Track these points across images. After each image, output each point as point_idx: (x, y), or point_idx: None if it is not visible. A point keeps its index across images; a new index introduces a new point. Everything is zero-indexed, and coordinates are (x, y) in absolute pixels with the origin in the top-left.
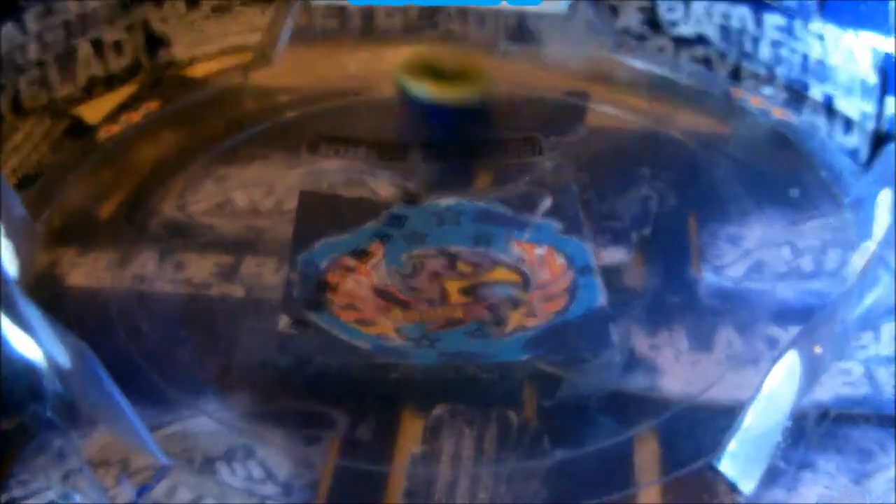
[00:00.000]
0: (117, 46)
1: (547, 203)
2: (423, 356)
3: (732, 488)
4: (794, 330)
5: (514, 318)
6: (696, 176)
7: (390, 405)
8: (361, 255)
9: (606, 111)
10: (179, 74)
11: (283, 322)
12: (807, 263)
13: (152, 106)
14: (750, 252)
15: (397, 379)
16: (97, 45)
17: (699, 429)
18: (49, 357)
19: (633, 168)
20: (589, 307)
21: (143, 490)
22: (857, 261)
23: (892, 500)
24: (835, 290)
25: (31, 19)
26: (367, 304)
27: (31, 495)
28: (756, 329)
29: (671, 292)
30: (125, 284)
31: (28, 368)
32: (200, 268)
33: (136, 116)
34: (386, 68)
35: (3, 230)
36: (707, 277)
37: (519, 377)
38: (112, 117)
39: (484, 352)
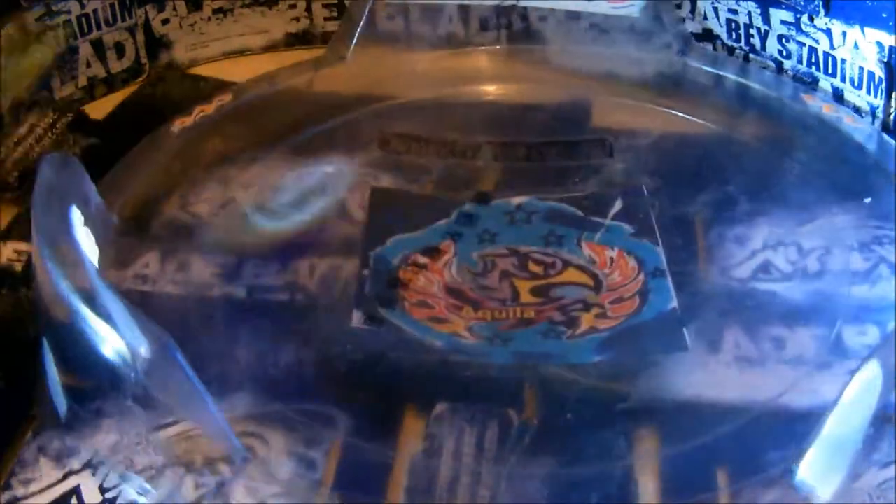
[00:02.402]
0: (118, 48)
1: (618, 205)
2: (496, 355)
3: (810, 495)
4: (801, 330)
5: (587, 320)
6: (705, 177)
7: (391, 405)
8: (433, 252)
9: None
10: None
11: (357, 318)
12: (813, 264)
13: (208, 109)
14: (756, 252)
15: (471, 377)
16: (98, 46)
17: (704, 430)
18: (130, 346)
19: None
20: (661, 310)
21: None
22: None
23: (892, 501)
24: (840, 291)
25: (31, 20)
26: (439, 301)
27: (33, 495)
28: (763, 330)
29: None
30: (127, 284)
31: (109, 356)
32: (203, 268)
33: (189, 120)
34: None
35: (82, 219)
36: (714, 278)
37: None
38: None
39: (557, 352)
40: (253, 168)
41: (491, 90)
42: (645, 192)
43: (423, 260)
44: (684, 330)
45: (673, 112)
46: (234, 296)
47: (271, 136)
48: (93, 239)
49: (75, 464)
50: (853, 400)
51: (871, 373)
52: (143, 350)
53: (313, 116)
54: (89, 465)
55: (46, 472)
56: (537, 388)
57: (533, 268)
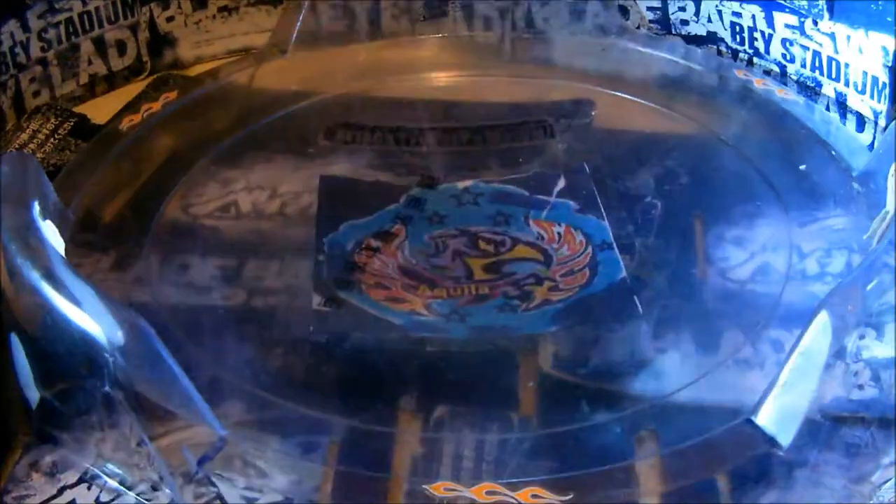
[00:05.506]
0: (120, 46)
1: (561, 183)
2: (455, 330)
3: (771, 442)
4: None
5: (540, 293)
6: (702, 176)
7: (389, 407)
8: (385, 236)
9: (613, 111)
10: (181, 74)
11: (316, 301)
12: (812, 266)
13: (155, 106)
14: (755, 254)
15: (433, 352)
16: (99, 44)
17: (704, 431)
18: (105, 331)
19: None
20: (611, 280)
21: (202, 460)
22: (877, 226)
23: (893, 501)
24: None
25: (33, 17)
26: (395, 282)
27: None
28: (761, 332)
29: (676, 294)
30: (127, 287)
31: (85, 341)
32: (203, 271)
33: (137, 117)
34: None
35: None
36: (712, 280)
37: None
38: (116, 119)
39: (514, 325)
40: (254, 169)
41: (432, 77)
42: (587, 169)
43: (375, 243)
44: (636, 298)
45: (610, 92)
46: (233, 298)
47: (219, 131)
48: (56, 231)
49: (70, 478)
50: (807, 349)
51: (822, 322)
52: (119, 335)
53: (259, 110)
54: (84, 479)
55: (40, 487)
56: (537, 388)
57: (483, 246)
